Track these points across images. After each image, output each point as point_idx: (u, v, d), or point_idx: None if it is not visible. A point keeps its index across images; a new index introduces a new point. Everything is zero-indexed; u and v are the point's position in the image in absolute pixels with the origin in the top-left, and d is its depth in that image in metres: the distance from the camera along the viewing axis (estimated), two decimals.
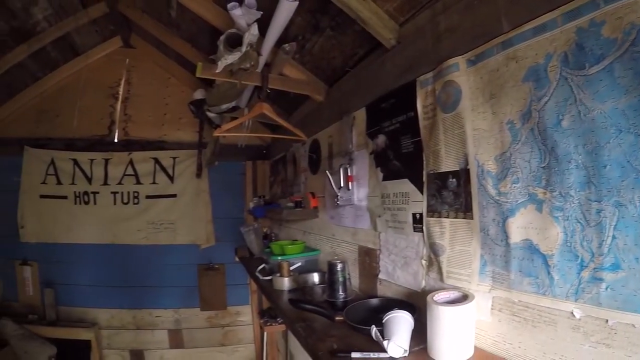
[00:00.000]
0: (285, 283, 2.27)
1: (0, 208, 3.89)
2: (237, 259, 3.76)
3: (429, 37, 1.48)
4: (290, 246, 2.61)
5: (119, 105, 4.04)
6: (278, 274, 2.32)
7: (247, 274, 3.83)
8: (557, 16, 0.97)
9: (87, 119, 4.00)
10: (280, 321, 3.40)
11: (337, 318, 1.60)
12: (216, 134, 2.90)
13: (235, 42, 2.18)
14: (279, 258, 2.46)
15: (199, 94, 3.37)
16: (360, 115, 2.02)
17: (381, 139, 1.81)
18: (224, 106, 3.04)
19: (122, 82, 4.06)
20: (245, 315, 4.02)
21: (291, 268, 2.33)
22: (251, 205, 3.80)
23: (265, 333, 3.72)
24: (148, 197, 3.94)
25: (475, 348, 1.20)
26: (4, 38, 3.11)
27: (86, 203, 3.92)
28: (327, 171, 2.23)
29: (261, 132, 3.69)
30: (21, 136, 3.92)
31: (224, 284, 3.97)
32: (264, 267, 2.66)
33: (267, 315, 3.54)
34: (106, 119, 4.03)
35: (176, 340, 3.96)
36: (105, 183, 3.92)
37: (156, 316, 3.95)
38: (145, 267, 3.95)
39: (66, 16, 3.21)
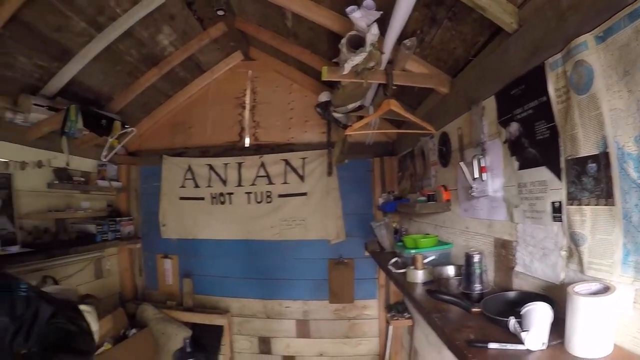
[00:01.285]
0: (420, 275, 2.27)
1: (146, 209, 4.57)
2: (366, 254, 3.84)
3: (551, 16, 1.41)
4: (423, 239, 2.61)
5: (247, 114, 4.40)
6: (412, 267, 2.33)
7: (375, 268, 3.97)
8: None
9: (218, 128, 4.45)
10: (407, 316, 3.41)
11: (473, 309, 1.60)
12: (347, 132, 2.97)
13: (356, 43, 2.25)
14: (413, 251, 2.48)
15: (324, 96, 3.52)
16: (490, 104, 1.96)
17: (514, 127, 1.73)
18: (350, 106, 3.15)
19: (247, 92, 4.41)
20: (372, 309, 4.08)
21: (425, 261, 2.33)
22: (380, 200, 3.85)
23: (390, 327, 3.75)
24: (280, 195, 4.20)
25: (614, 345, 1.12)
26: (137, 64, 3.61)
27: (222, 203, 4.34)
28: (460, 163, 2.18)
29: (387, 128, 3.75)
30: (160, 147, 4.54)
31: (352, 278, 4.07)
32: (396, 261, 2.71)
33: (393, 309, 3.58)
34: (236, 127, 4.42)
35: (303, 330, 4.19)
36: (240, 184, 4.29)
37: (285, 306, 4.22)
38: (276, 261, 4.24)
39: (189, 39, 3.62)
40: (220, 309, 4.28)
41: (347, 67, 2.32)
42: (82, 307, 2.84)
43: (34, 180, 3.35)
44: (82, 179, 3.81)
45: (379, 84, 2.84)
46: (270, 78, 4.34)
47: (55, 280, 3.20)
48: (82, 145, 3.68)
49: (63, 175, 3.58)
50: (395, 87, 2.54)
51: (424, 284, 2.23)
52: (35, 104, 3.02)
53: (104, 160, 3.85)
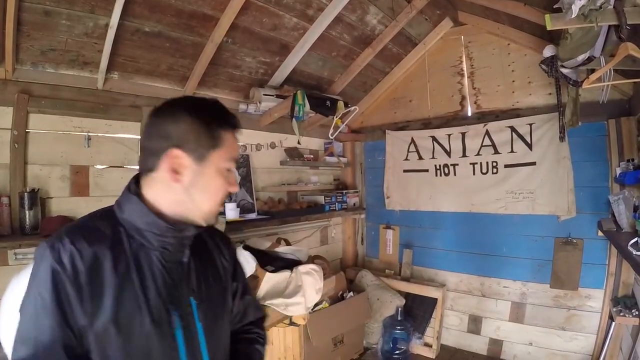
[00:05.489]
0: None
1: (370, 182, 4.94)
2: (599, 234, 3.26)
3: None
4: None
5: (466, 81, 4.20)
6: None
7: (606, 253, 3.38)
8: None
9: (438, 99, 4.39)
10: (635, 313, 2.80)
11: None
12: (585, 85, 2.63)
13: None
14: None
15: (548, 51, 3.11)
16: None
17: None
18: (580, 57, 2.72)
19: (463, 58, 4.20)
20: (596, 300, 3.43)
21: None
22: (618, 171, 3.23)
23: (613, 324, 3.12)
24: (507, 166, 3.91)
25: None
26: (351, 47, 3.81)
27: (446, 175, 4.29)
28: None
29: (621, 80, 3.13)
30: (382, 123, 4.80)
31: (579, 262, 3.49)
32: (637, 241, 2.29)
33: (620, 303, 2.97)
34: (457, 96, 4.28)
35: (517, 314, 3.82)
36: (464, 155, 4.16)
37: (503, 286, 3.92)
38: (499, 236, 3.97)
39: (396, 15, 3.61)
40: (437, 282, 4.30)
41: (575, 10, 2.06)
42: (311, 266, 3.31)
43: (268, 159, 3.99)
44: (311, 156, 4.33)
45: (608, 29, 2.40)
46: (484, 41, 4.03)
47: (288, 242, 3.75)
48: (308, 127, 4.19)
49: (294, 154, 4.13)
50: (629, 28, 2.08)
51: None
52: (265, 94, 3.55)
53: (331, 137, 4.29)
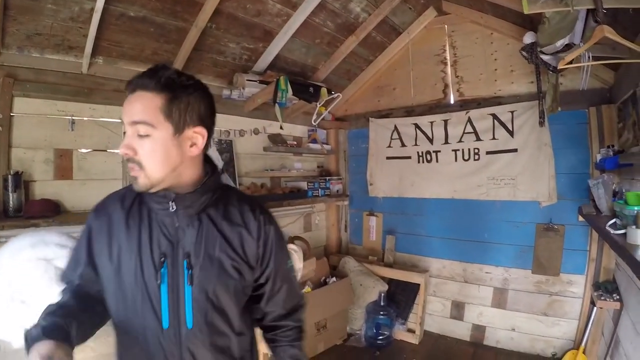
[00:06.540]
0: None
1: (353, 169, 5.00)
2: (580, 219, 3.32)
3: None
4: None
5: (449, 70, 4.24)
6: (634, 226, 1.93)
7: (587, 239, 3.45)
8: None
9: (422, 87, 4.43)
10: (615, 297, 2.86)
11: None
12: (560, 66, 2.63)
13: None
14: (636, 208, 2.04)
15: (528, 38, 3.20)
16: None
17: None
18: (559, 43, 2.77)
19: (447, 47, 4.24)
20: (577, 286, 3.50)
21: None
22: (598, 157, 3.29)
23: (595, 309, 3.17)
24: (488, 152, 3.96)
25: None
26: (335, 34, 3.84)
27: (428, 161, 4.35)
28: None
29: (601, 72, 3.22)
30: (366, 111, 4.85)
31: (561, 247, 3.55)
32: (615, 222, 2.30)
33: (602, 288, 3.04)
34: (440, 84, 4.32)
35: (499, 299, 3.89)
36: (446, 142, 4.21)
37: (486, 272, 3.98)
38: (481, 223, 4.03)
39: (380, 2, 3.65)
40: (420, 268, 4.35)
41: None
42: (291, 246, 3.32)
43: (252, 144, 4.01)
44: (295, 143, 4.36)
45: (587, 14, 2.43)
46: (467, 30, 4.08)
47: None
48: (292, 114, 4.19)
49: (277, 140, 4.16)
50: (605, 12, 2.11)
51: None
52: (248, 80, 3.55)
53: (314, 123, 4.33)
